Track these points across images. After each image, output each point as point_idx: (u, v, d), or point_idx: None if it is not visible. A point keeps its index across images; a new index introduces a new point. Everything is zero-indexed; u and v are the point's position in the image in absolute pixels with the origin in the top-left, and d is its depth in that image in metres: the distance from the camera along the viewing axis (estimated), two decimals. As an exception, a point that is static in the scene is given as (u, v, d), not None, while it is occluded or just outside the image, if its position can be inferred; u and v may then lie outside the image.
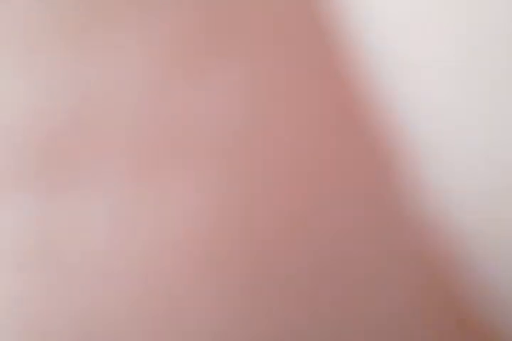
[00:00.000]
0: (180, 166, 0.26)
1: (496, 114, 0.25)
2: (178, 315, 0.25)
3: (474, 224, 0.26)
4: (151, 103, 0.26)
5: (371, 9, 0.25)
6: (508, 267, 0.26)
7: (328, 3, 0.26)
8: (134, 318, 0.25)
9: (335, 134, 0.27)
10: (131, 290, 0.25)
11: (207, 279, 0.26)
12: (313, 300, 0.26)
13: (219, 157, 0.26)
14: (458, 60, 0.24)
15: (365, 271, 0.27)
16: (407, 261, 0.27)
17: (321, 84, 0.27)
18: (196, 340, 0.26)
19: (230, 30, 0.26)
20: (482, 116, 0.25)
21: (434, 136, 0.26)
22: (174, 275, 0.25)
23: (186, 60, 0.26)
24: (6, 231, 0.25)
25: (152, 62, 0.26)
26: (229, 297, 0.26)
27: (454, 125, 0.26)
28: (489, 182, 0.25)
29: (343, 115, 0.27)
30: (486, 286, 0.26)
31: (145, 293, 0.25)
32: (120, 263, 0.25)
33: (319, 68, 0.26)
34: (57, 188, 0.26)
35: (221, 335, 0.26)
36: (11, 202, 0.26)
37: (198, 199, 0.26)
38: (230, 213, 0.26)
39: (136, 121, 0.26)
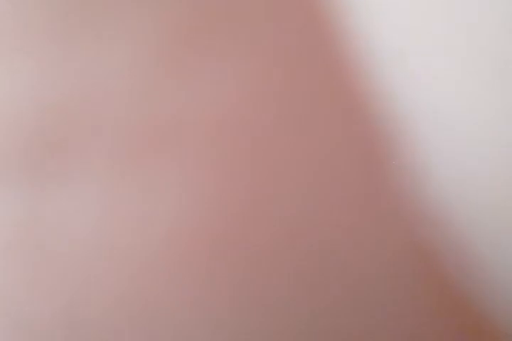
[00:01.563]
0: (166, 160, 0.26)
1: (496, 108, 0.25)
2: (163, 307, 0.26)
3: (473, 219, 0.26)
4: (140, 98, 0.26)
5: (369, 4, 0.25)
6: (506, 259, 0.26)
7: (325, 1, 0.26)
8: (121, 311, 0.26)
9: (330, 132, 0.27)
10: (118, 283, 0.26)
11: (195, 273, 0.26)
12: (308, 298, 0.26)
13: (207, 152, 0.26)
14: (457, 57, 0.24)
15: (361, 264, 0.27)
16: (404, 256, 0.27)
17: (316, 83, 0.27)
18: (184, 335, 0.26)
19: (222, 29, 0.26)
20: (482, 110, 0.25)
21: (432, 132, 0.26)
22: (161, 268, 0.26)
23: (178, 56, 0.26)
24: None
25: (143, 58, 0.26)
26: (218, 292, 0.26)
27: (454, 120, 0.26)
28: (488, 179, 0.25)
29: (339, 113, 0.27)
30: (483, 276, 0.26)
31: (132, 286, 0.26)
32: (107, 257, 0.26)
33: (314, 67, 0.26)
34: (44, 182, 0.26)
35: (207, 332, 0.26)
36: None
37: (185, 192, 0.26)
38: (220, 210, 0.26)
39: (124, 115, 0.26)
